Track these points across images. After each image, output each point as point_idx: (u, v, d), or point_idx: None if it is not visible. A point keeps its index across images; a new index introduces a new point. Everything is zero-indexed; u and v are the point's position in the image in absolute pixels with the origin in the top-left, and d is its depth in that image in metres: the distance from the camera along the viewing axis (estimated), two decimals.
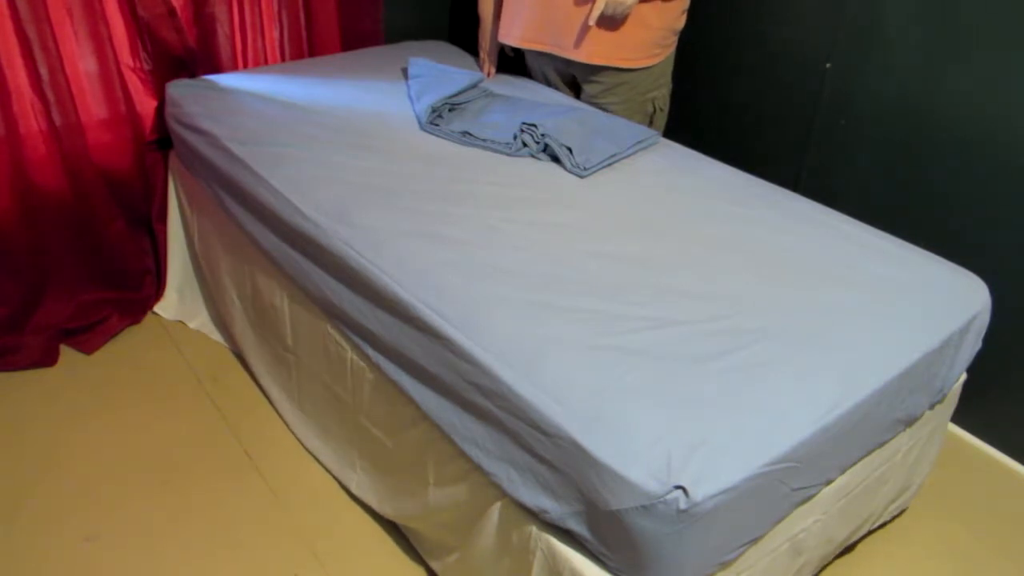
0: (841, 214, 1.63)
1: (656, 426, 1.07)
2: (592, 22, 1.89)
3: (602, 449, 1.05)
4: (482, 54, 2.26)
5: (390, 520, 1.64)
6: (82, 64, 1.99)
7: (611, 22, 1.94)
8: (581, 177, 1.71)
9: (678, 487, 1.01)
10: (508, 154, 1.79)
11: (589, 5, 1.94)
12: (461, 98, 2.00)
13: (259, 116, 1.89)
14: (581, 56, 2.01)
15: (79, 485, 1.74)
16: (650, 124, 2.14)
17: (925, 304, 1.38)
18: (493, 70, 2.25)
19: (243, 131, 1.82)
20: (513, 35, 2.12)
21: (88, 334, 2.14)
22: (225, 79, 2.10)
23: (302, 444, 1.86)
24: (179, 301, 2.27)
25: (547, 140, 1.77)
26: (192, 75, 2.15)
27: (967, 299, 1.43)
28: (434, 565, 1.54)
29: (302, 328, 1.69)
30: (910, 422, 1.40)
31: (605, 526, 1.08)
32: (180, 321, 2.26)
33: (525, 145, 1.79)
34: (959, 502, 1.82)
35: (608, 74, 2.04)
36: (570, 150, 1.73)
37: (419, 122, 1.91)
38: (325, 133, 1.82)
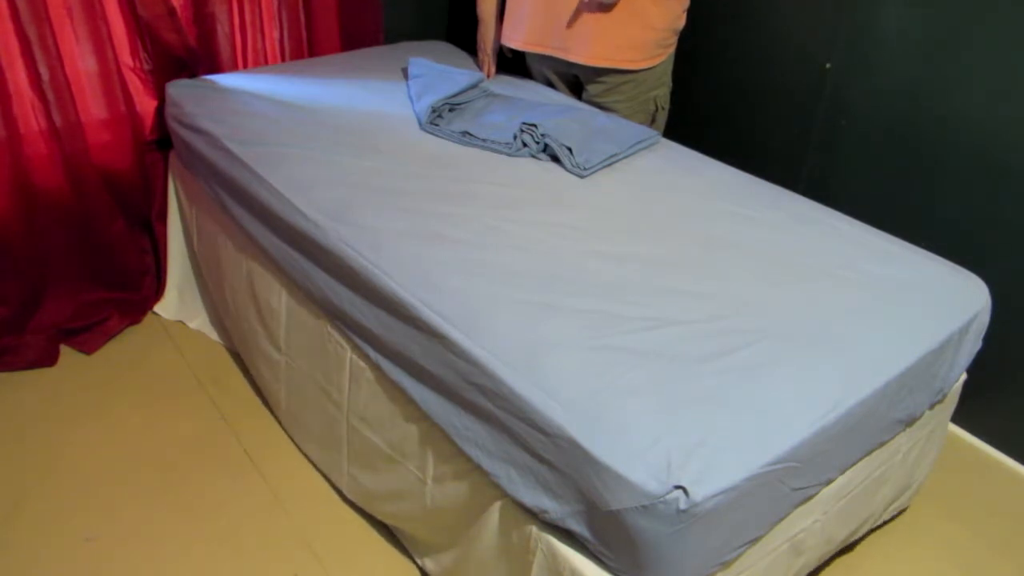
0: (841, 214, 1.63)
1: (656, 426, 1.07)
2: None
3: (602, 449, 1.05)
4: (481, 55, 2.26)
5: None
6: (82, 64, 1.99)
7: (607, 16, 1.93)
8: (581, 177, 1.71)
9: (678, 487, 1.01)
10: (508, 154, 1.79)
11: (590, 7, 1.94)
12: (461, 98, 2.00)
13: (259, 116, 1.89)
14: (584, 59, 2.01)
15: (79, 485, 1.74)
16: (652, 122, 2.14)
17: (925, 304, 1.38)
18: (493, 70, 2.25)
19: (243, 131, 1.82)
20: (515, 38, 2.12)
21: (88, 334, 2.14)
22: (225, 79, 2.10)
23: (296, 445, 1.86)
24: (179, 301, 2.27)
25: (547, 140, 1.76)
26: (192, 75, 2.15)
27: (967, 299, 1.43)
28: (429, 566, 1.54)
29: (299, 329, 1.69)
30: (910, 422, 1.40)
31: (605, 526, 1.08)
32: (180, 321, 2.26)
33: (525, 145, 1.79)
34: (959, 502, 1.82)
35: (612, 75, 2.04)
36: (570, 150, 1.73)
37: (419, 122, 1.91)
38: (325, 133, 1.82)
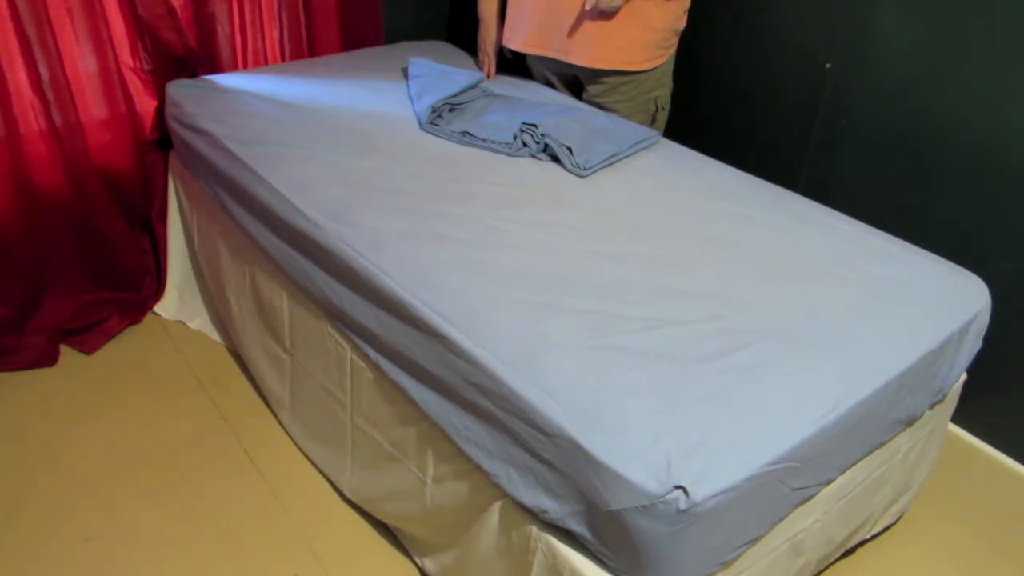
0: (841, 214, 1.63)
1: (656, 426, 1.07)
2: (588, 6, 1.89)
3: (602, 449, 1.05)
4: (481, 55, 2.26)
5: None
6: (82, 64, 1.99)
7: (607, 19, 1.94)
8: (581, 177, 1.71)
9: (678, 487, 1.01)
10: (508, 154, 1.79)
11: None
12: (461, 98, 2.00)
13: (259, 116, 1.89)
14: (584, 60, 2.01)
15: (79, 485, 1.74)
16: (652, 123, 2.14)
17: (925, 304, 1.38)
18: (494, 70, 2.25)
19: (243, 131, 1.82)
20: (515, 40, 2.12)
21: (88, 334, 2.14)
22: (225, 79, 2.10)
23: (296, 445, 1.86)
24: (179, 301, 2.27)
25: (547, 140, 1.76)
26: (192, 75, 2.15)
27: (967, 299, 1.43)
28: (429, 566, 1.54)
29: (301, 328, 1.69)
30: (910, 422, 1.40)
31: (605, 526, 1.08)
32: (180, 321, 2.26)
33: (525, 145, 1.79)
34: (959, 502, 1.82)
35: (612, 76, 2.04)
36: (570, 150, 1.73)
37: (419, 122, 1.91)
38: (325, 133, 1.82)
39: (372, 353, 1.44)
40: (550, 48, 2.07)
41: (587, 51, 2.00)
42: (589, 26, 1.97)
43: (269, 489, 1.76)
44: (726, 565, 1.14)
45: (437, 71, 2.10)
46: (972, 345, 1.46)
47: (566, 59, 2.05)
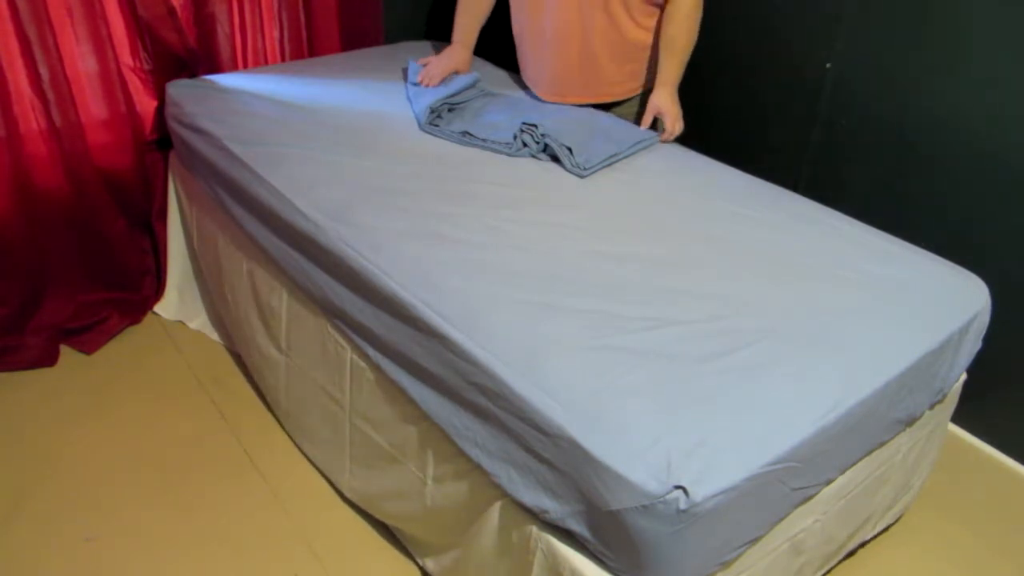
0: (841, 214, 1.63)
1: (656, 426, 1.07)
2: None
3: (602, 449, 1.05)
4: (434, 67, 2.08)
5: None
6: (82, 64, 1.99)
7: (599, 66, 1.96)
8: (581, 177, 1.71)
9: (678, 487, 1.01)
10: (508, 154, 1.79)
11: (596, 55, 1.94)
12: (460, 98, 2.00)
13: (259, 116, 1.89)
14: (591, 99, 2.01)
15: (79, 485, 1.74)
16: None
17: (925, 304, 1.38)
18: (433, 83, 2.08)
19: (243, 131, 1.81)
20: (539, 88, 2.07)
21: (88, 334, 2.14)
22: (225, 79, 2.10)
23: (296, 445, 1.86)
24: (179, 301, 2.27)
25: (547, 140, 1.76)
26: (192, 75, 2.15)
27: (967, 299, 1.43)
28: (429, 566, 1.54)
29: (300, 328, 1.69)
30: (910, 422, 1.40)
31: (605, 526, 1.08)
32: (180, 321, 2.26)
33: (525, 145, 1.79)
34: (959, 502, 1.82)
35: None
36: (570, 150, 1.73)
37: (418, 122, 1.91)
38: (325, 133, 1.82)
39: (372, 353, 1.44)
40: (558, 93, 2.03)
41: (592, 90, 2.00)
42: (590, 71, 1.97)
43: (269, 489, 1.76)
44: (726, 565, 1.14)
45: None
46: (972, 345, 1.46)
47: (576, 101, 2.02)
